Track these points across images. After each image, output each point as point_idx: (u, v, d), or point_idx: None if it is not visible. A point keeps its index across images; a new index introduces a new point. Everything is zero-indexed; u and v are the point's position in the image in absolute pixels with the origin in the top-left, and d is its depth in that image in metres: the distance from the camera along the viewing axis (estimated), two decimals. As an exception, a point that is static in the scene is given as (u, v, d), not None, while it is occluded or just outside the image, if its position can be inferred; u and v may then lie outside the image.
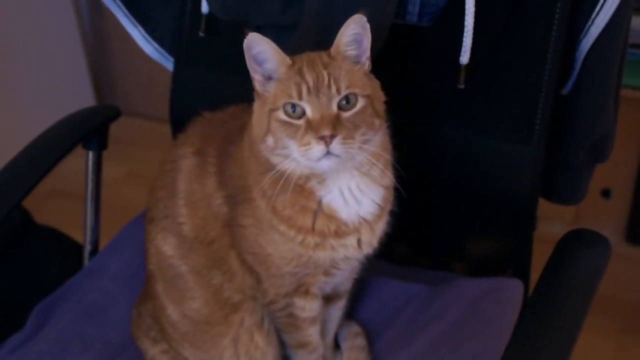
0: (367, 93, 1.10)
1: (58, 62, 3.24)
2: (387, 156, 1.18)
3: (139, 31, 1.67)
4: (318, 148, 1.05)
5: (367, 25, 1.08)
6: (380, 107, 1.12)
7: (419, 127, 1.43)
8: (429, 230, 1.57)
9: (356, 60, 1.11)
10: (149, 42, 1.68)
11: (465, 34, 1.31)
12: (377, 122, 1.11)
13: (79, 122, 1.63)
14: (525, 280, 1.49)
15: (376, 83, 1.14)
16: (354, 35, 1.09)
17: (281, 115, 1.08)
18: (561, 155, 1.47)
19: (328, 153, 1.05)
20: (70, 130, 1.59)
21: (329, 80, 1.07)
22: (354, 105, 1.08)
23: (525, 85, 1.37)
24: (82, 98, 3.30)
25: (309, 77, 1.07)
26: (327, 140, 1.04)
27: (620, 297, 2.42)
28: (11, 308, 1.73)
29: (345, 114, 1.07)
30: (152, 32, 1.67)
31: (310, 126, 1.05)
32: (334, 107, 1.07)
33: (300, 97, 1.07)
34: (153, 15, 1.66)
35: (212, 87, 1.63)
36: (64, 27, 3.23)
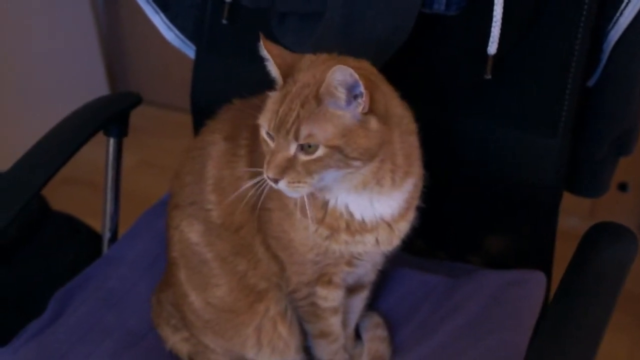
0: (335, 144, 1.03)
1: (72, 51, 3.23)
2: (400, 170, 1.14)
3: (161, 18, 1.66)
4: (267, 179, 1.06)
5: (356, 76, 1.01)
6: (361, 153, 1.05)
7: (443, 118, 1.43)
8: (450, 223, 1.57)
9: (347, 103, 1.04)
10: (170, 29, 1.67)
11: (493, 24, 1.30)
12: (355, 163, 1.06)
13: (100, 109, 1.62)
14: (547, 274, 1.48)
15: (368, 128, 1.06)
16: (340, 81, 1.02)
17: (264, 133, 1.09)
18: (585, 148, 1.46)
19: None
20: (91, 116, 1.58)
21: (292, 123, 1.03)
22: (314, 152, 1.04)
23: (551, 77, 1.36)
24: (96, 86, 3.30)
25: (282, 111, 1.05)
26: (271, 179, 1.05)
27: (636, 292, 2.40)
28: (28, 294, 1.74)
29: (304, 158, 1.04)
30: (174, 19, 1.66)
31: (270, 157, 1.06)
32: (291, 150, 1.04)
33: (269, 128, 1.06)
34: (175, 2, 1.65)
35: (234, 75, 1.62)
36: (78, 15, 3.22)
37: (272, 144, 1.07)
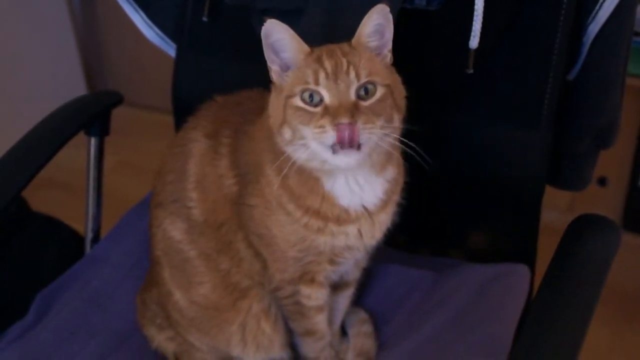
0: (387, 83, 1.08)
1: (49, 51, 3.22)
2: (397, 147, 1.16)
3: (141, 16, 1.65)
4: (332, 133, 1.03)
5: (390, 16, 1.07)
6: (401, 102, 1.11)
7: (425, 112, 1.41)
8: (433, 218, 1.57)
9: (377, 52, 1.10)
10: (150, 27, 1.66)
11: (475, 18, 1.30)
12: (396, 116, 1.09)
13: (81, 108, 1.61)
14: (531, 267, 1.48)
15: (397, 77, 1.13)
16: (377, 25, 1.08)
17: (297, 101, 1.07)
18: (567, 141, 1.47)
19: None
20: (73, 115, 1.58)
21: (347, 66, 1.05)
22: (373, 94, 1.06)
23: (533, 70, 1.37)
24: (74, 87, 3.28)
25: (328, 64, 1.05)
26: (345, 124, 1.02)
27: (616, 285, 2.41)
28: (9, 296, 1.72)
29: (365, 103, 1.05)
30: (154, 17, 1.66)
31: (328, 112, 1.04)
32: (352, 95, 1.05)
33: (317, 83, 1.05)
34: (155, 0, 1.64)
35: (215, 73, 1.61)
36: (54, 15, 3.21)
37: (315, 109, 1.05)
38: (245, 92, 1.30)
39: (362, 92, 1.05)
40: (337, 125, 1.02)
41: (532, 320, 1.17)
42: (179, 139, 1.31)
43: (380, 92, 1.07)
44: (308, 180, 1.15)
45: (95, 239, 1.67)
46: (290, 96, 1.07)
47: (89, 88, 3.41)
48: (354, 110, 1.03)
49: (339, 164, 1.06)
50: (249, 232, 1.23)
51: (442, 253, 1.59)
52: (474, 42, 1.33)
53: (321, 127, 1.03)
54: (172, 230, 1.29)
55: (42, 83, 3.13)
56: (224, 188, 1.23)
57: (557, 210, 2.32)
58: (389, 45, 1.10)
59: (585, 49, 1.38)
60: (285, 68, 1.10)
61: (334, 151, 1.04)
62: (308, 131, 1.05)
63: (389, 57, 1.11)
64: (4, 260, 1.86)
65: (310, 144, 1.06)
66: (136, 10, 1.65)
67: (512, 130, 1.40)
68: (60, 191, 2.77)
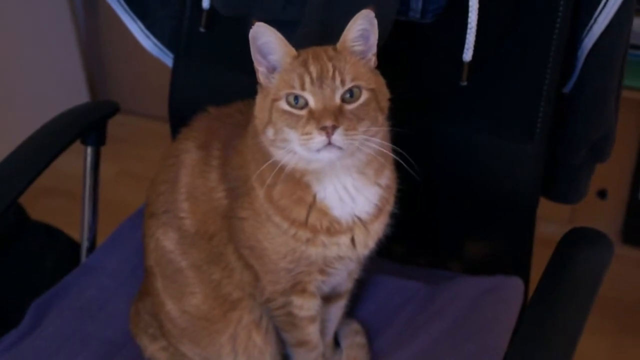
0: (372, 87, 1.10)
1: (53, 60, 3.23)
2: (386, 154, 1.17)
3: (138, 26, 1.66)
4: (319, 139, 1.04)
5: (375, 21, 1.08)
6: (385, 104, 1.13)
7: (419, 124, 1.42)
8: (428, 229, 1.57)
9: (362, 56, 1.11)
10: (148, 37, 1.67)
11: (468, 31, 1.31)
12: (380, 118, 1.11)
13: (77, 117, 1.61)
14: (525, 279, 1.48)
15: (381, 80, 1.14)
16: (361, 30, 1.09)
17: (283, 105, 1.08)
18: (562, 154, 1.47)
19: (329, 144, 1.04)
20: (69, 125, 1.58)
21: (333, 72, 1.07)
22: (358, 98, 1.08)
23: (527, 83, 1.37)
24: (77, 96, 3.28)
25: (313, 68, 1.07)
26: (328, 131, 1.03)
27: (616, 298, 2.42)
28: (6, 304, 1.72)
29: (349, 107, 1.07)
30: (151, 27, 1.66)
31: (313, 116, 1.05)
32: (337, 99, 1.06)
33: (303, 88, 1.07)
34: (152, 10, 1.65)
35: (212, 83, 1.62)
36: (58, 24, 3.21)
37: (300, 112, 1.07)
38: (237, 104, 1.30)
39: (347, 96, 1.07)
40: (321, 129, 1.04)
41: (522, 333, 1.17)
42: (172, 149, 1.31)
43: (364, 96, 1.08)
44: (295, 190, 1.15)
45: (91, 248, 1.67)
46: (276, 99, 1.09)
47: (91, 97, 3.42)
48: (338, 114, 1.05)
49: (321, 158, 1.07)
50: (240, 245, 1.23)
51: (438, 263, 1.59)
52: (467, 54, 1.33)
53: (308, 134, 1.05)
54: (165, 240, 1.29)
55: (45, 92, 3.14)
56: (214, 200, 1.23)
57: (557, 222, 2.31)
58: (374, 49, 1.12)
59: (580, 62, 1.38)
60: (271, 70, 1.12)
61: (318, 150, 1.06)
62: (294, 135, 1.07)
63: (373, 60, 1.13)
64: (2, 269, 1.87)
65: (297, 150, 1.07)
66: (134, 20, 1.65)
67: (506, 142, 1.41)
68: (62, 199, 2.77)
